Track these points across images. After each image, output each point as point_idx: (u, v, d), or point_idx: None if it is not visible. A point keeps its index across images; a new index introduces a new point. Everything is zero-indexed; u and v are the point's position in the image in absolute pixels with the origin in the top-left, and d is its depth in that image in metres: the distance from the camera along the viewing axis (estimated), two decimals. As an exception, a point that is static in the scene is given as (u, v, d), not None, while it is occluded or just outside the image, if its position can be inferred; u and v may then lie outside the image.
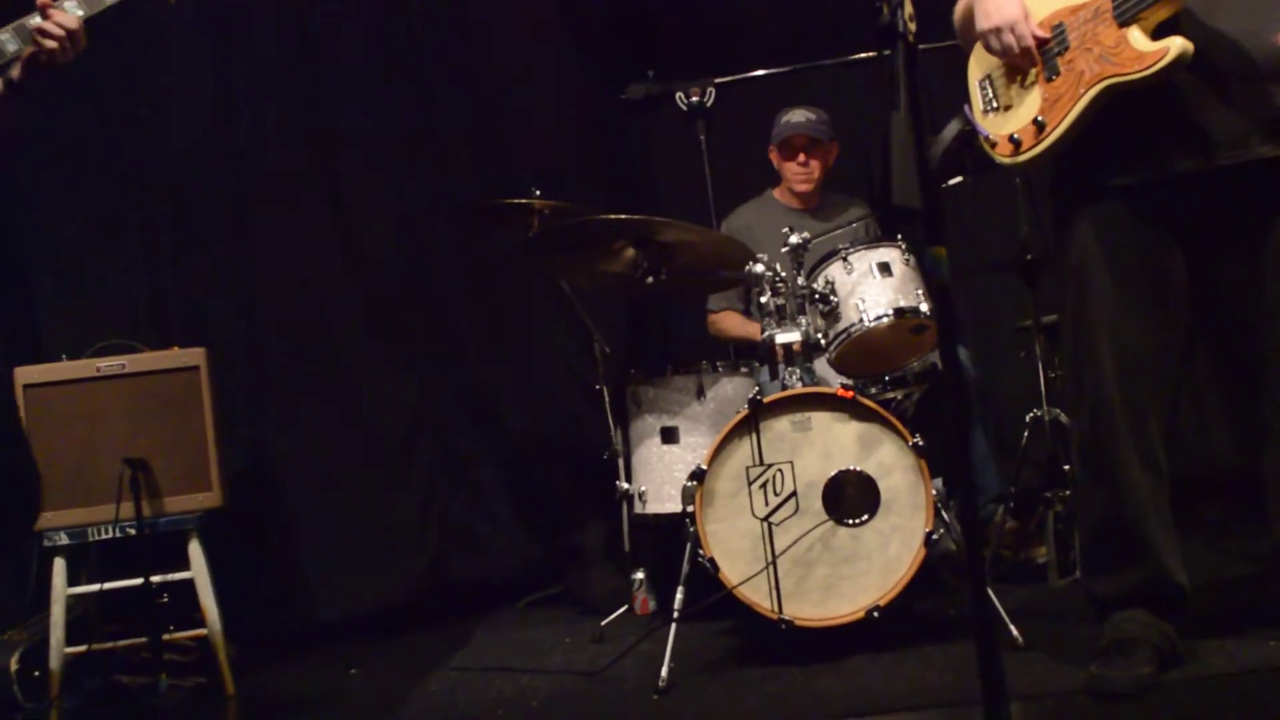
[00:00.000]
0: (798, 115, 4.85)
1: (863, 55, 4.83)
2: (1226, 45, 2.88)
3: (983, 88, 3.18)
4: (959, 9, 3.25)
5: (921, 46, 2.25)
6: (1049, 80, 2.99)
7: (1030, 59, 3.02)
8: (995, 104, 3.14)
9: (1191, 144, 2.92)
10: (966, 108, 3.21)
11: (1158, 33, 2.84)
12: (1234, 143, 2.90)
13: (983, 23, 3.06)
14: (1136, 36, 2.84)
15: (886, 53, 2.30)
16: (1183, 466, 3.23)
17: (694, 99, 4.92)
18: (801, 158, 4.85)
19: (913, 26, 2.29)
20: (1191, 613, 3.10)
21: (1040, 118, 2.99)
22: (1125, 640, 2.99)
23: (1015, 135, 3.04)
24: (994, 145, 3.11)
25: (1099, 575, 3.16)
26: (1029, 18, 3.01)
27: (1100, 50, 2.89)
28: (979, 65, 3.21)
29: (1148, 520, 3.03)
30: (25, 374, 4.20)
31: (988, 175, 4.12)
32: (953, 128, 3.24)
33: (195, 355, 4.28)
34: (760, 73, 5.09)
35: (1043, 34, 3.00)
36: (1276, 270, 2.95)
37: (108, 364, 4.25)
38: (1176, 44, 2.79)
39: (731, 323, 4.87)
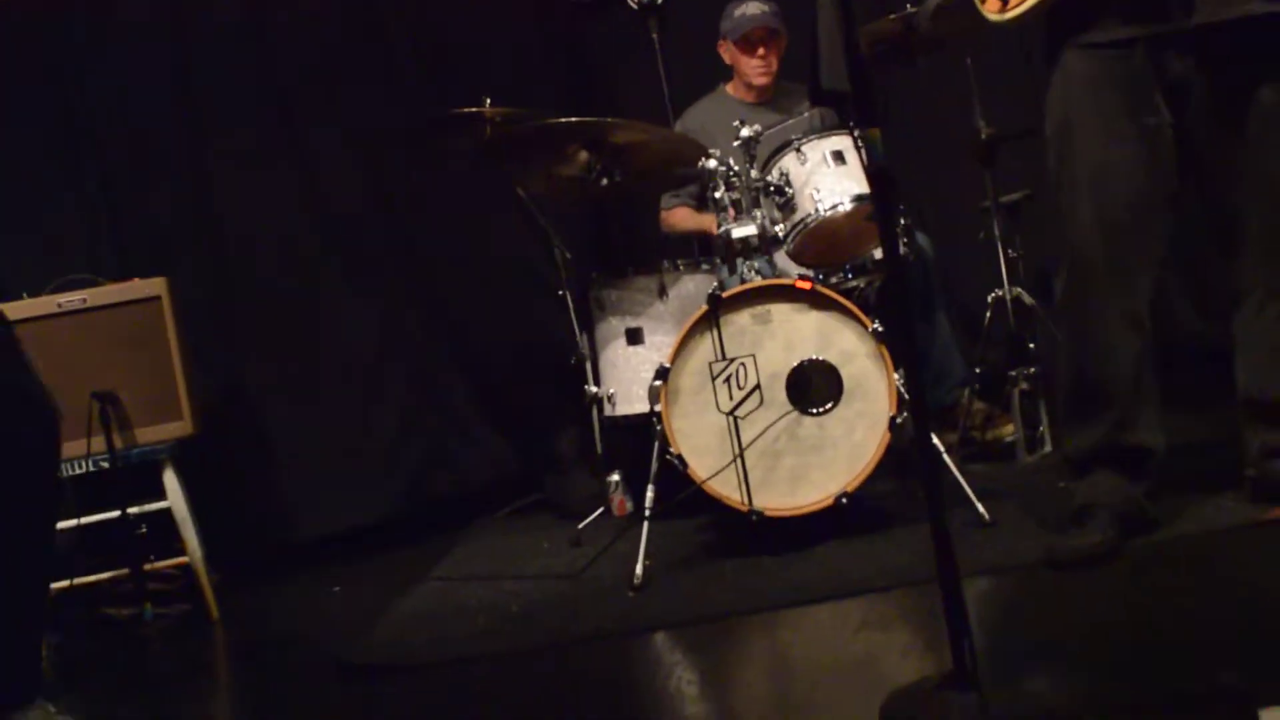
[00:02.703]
0: (753, 7, 4.78)
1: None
2: None
3: None
4: None
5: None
6: None
7: None
8: None
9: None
10: None
11: None
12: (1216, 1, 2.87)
13: None
14: None
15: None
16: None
17: (644, -2, 4.84)
18: (760, 51, 4.80)
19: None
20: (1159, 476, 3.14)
21: None
22: (1085, 507, 3.04)
23: None
24: (984, 2, 3.06)
25: (1071, 432, 3.19)
26: None
27: None
28: None
29: (1121, 375, 3.05)
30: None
31: (939, 57, 4.10)
32: None
33: (156, 285, 4.27)
34: (712, -34, 5.01)
35: None
36: (1259, 133, 2.95)
37: (68, 299, 4.24)
38: None
39: (682, 216, 4.85)
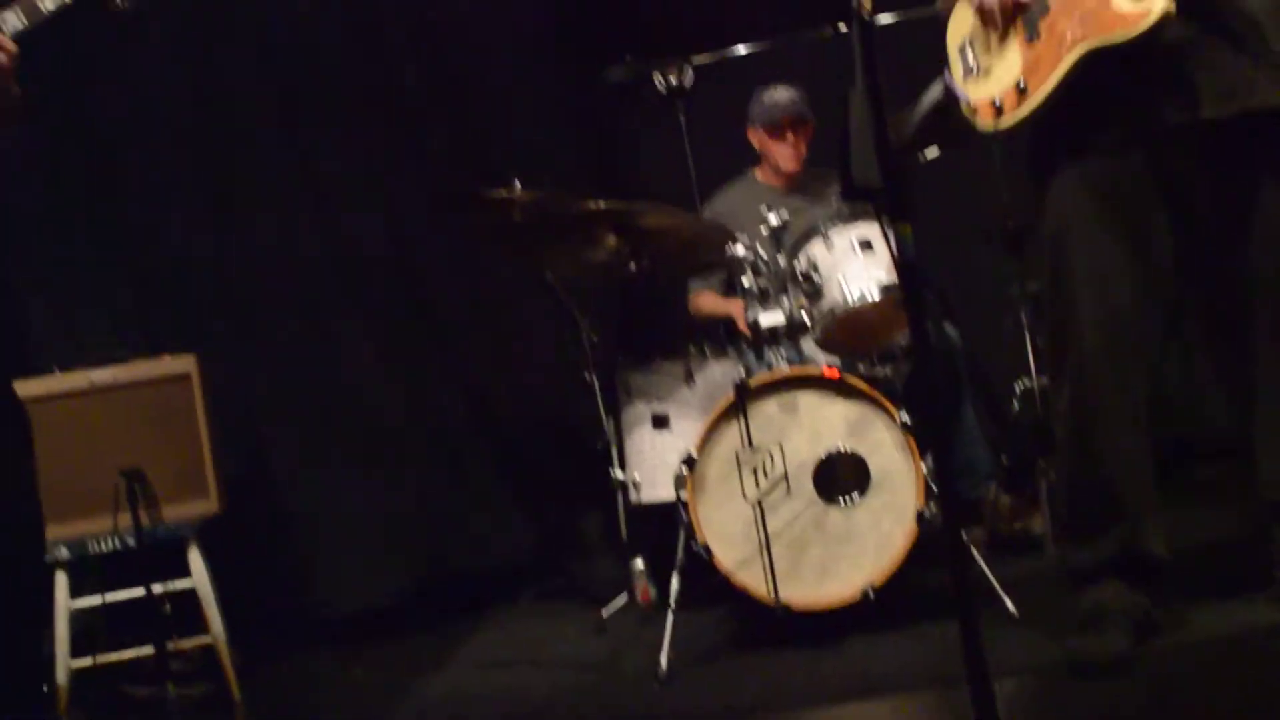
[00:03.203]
0: (782, 94, 4.82)
1: (828, 30, 4.79)
2: None
3: (963, 53, 3.12)
4: None
5: (902, 17, 2.22)
6: (1029, 42, 2.93)
7: (1010, 20, 2.97)
8: (975, 69, 3.08)
9: (1174, 97, 2.87)
10: (947, 73, 3.17)
11: None
12: (1218, 96, 2.85)
13: None
14: None
15: (843, 29, 2.29)
16: (1174, 428, 3.21)
17: (672, 81, 4.89)
18: (790, 137, 4.82)
19: (868, 3, 2.29)
20: (1180, 577, 3.09)
21: (1022, 82, 2.93)
22: (1098, 613, 2.97)
23: (997, 100, 2.97)
24: (975, 111, 3.07)
25: (1074, 543, 3.14)
26: None
27: (1081, 12, 2.83)
28: (958, 30, 3.15)
29: (1128, 484, 3.01)
30: (24, 388, 4.18)
31: (965, 146, 4.10)
32: (934, 94, 3.21)
33: (186, 362, 4.29)
34: (740, 50, 5.06)
35: None
36: (1263, 234, 2.92)
37: (100, 375, 4.25)
38: (1159, 5, 2.72)
39: (707, 301, 4.87)
